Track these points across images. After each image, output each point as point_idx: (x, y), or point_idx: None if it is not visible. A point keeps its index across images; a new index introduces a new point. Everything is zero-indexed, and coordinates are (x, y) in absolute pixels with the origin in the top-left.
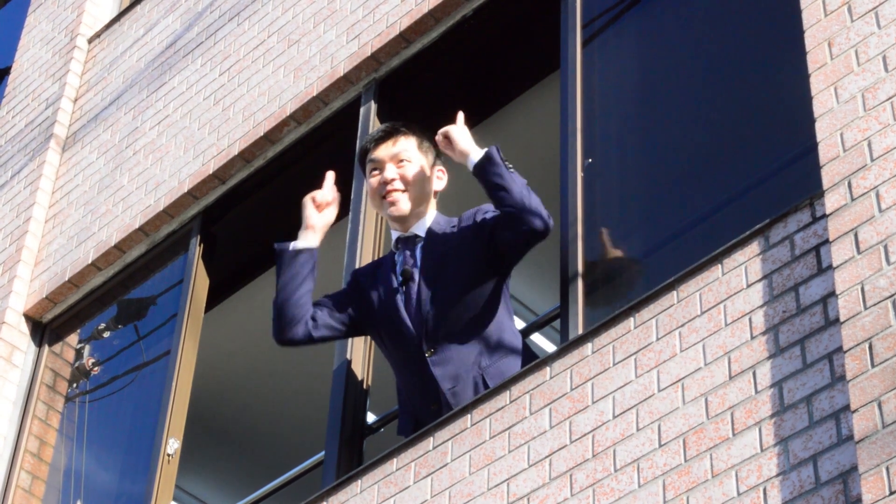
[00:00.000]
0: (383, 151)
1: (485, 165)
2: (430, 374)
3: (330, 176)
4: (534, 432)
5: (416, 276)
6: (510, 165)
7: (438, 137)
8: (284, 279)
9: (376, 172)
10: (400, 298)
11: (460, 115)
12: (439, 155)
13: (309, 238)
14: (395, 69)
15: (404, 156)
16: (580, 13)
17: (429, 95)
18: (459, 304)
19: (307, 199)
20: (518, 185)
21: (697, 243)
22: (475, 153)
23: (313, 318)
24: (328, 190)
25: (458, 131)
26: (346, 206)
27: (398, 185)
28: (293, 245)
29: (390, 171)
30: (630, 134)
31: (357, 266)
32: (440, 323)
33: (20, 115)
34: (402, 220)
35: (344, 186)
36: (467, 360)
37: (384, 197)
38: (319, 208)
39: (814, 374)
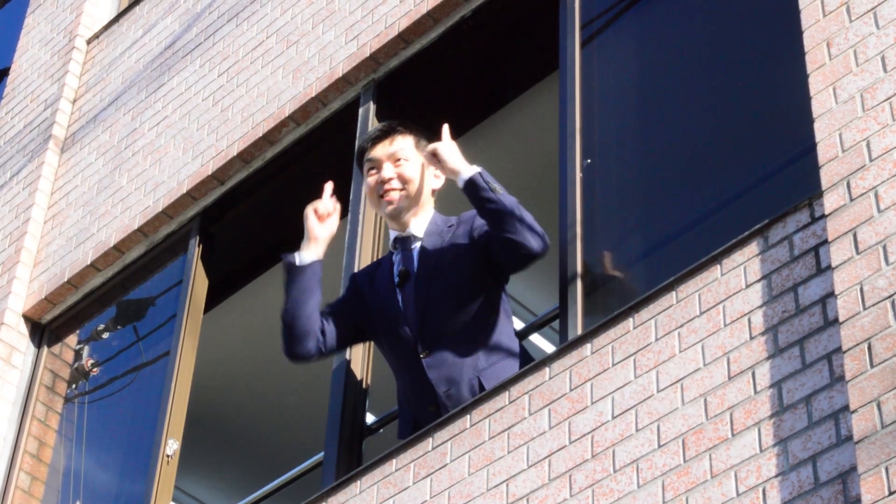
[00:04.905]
0: (380, 151)
1: (472, 191)
2: (426, 376)
3: (328, 186)
4: (533, 433)
5: (412, 277)
6: (497, 188)
7: (426, 154)
8: (293, 295)
9: (374, 172)
10: (397, 299)
11: (446, 129)
12: None
13: (313, 251)
14: (393, 70)
15: (401, 154)
16: (579, 14)
17: (428, 96)
18: (455, 305)
19: (309, 211)
20: (509, 207)
21: (696, 243)
22: (465, 171)
23: (322, 333)
24: (328, 200)
25: (446, 148)
26: (345, 206)
27: (395, 184)
28: (300, 260)
29: (387, 171)
30: (629, 134)
31: (356, 266)
32: (435, 325)
33: (19, 116)
34: (400, 220)
35: (343, 187)
36: (463, 362)
37: (382, 196)
38: (321, 219)
39: (813, 375)
